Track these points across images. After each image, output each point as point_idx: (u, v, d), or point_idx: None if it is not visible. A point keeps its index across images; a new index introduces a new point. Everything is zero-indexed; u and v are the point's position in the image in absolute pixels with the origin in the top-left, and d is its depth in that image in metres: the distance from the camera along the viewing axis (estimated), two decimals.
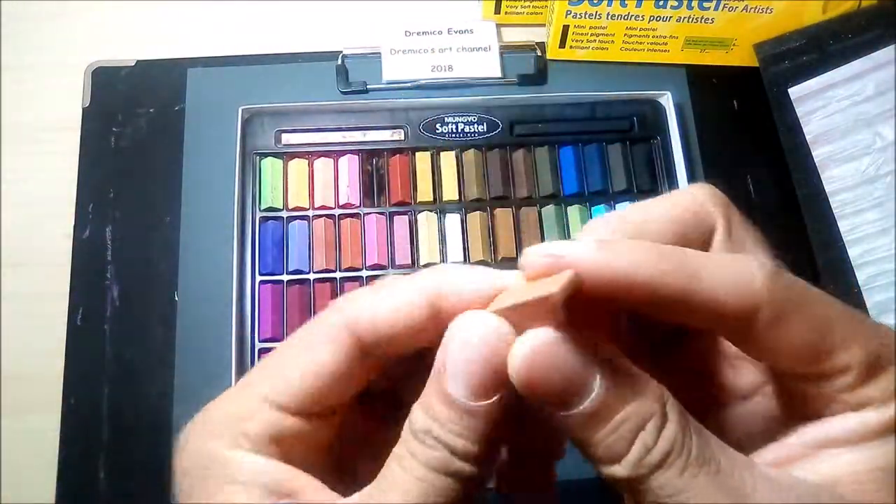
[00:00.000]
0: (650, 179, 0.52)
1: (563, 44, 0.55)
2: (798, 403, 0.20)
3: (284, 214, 0.50)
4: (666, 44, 0.55)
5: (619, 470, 0.17)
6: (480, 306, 0.19)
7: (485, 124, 0.53)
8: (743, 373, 0.22)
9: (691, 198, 0.21)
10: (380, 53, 0.56)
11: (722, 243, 0.20)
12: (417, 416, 0.19)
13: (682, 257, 0.18)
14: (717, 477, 0.17)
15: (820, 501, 0.17)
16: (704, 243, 0.20)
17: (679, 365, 0.23)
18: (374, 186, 0.52)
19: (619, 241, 0.18)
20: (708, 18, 0.53)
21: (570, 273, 0.17)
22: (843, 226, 0.51)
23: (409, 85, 0.55)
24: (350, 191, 0.51)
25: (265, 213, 0.50)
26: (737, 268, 0.18)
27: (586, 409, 0.17)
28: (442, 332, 0.19)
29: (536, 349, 0.17)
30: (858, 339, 0.18)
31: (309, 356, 0.20)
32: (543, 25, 0.57)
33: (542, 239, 0.51)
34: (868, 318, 0.20)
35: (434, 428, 0.18)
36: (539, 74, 0.56)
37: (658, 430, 0.17)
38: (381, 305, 0.20)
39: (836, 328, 0.18)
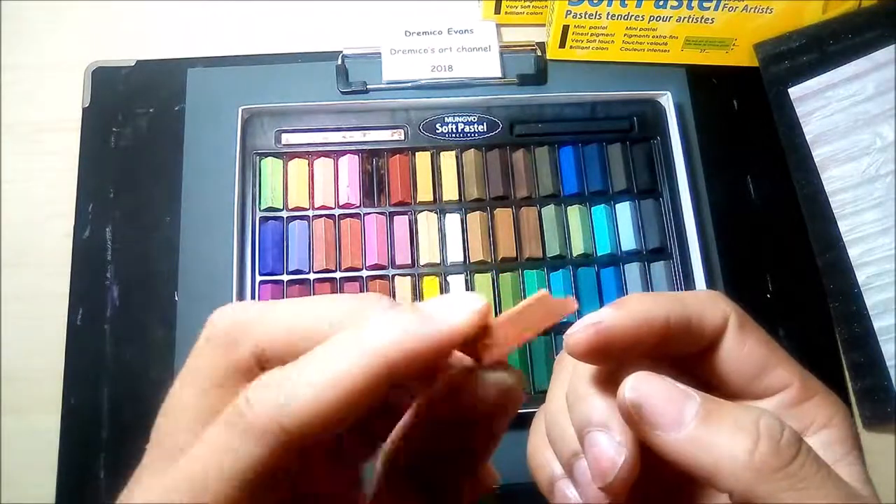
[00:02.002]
0: (650, 179, 0.52)
1: (563, 44, 0.55)
2: None
3: (284, 214, 0.50)
4: (666, 44, 0.55)
5: (754, 461, 0.19)
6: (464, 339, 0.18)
7: (485, 124, 0.53)
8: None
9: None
10: (380, 53, 0.56)
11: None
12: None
13: (672, 295, 0.23)
14: (827, 468, 0.20)
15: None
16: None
17: None
18: (374, 186, 0.52)
19: (627, 298, 0.22)
20: (708, 18, 0.53)
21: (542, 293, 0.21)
22: (843, 226, 0.51)
23: (409, 85, 0.55)
24: (350, 191, 0.51)
25: (265, 213, 0.50)
26: (708, 294, 0.24)
27: (698, 412, 0.20)
28: (425, 372, 0.19)
29: (643, 381, 0.21)
30: (792, 362, 0.23)
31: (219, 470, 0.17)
32: (543, 25, 0.57)
33: (542, 239, 0.51)
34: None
35: None
36: (539, 74, 0.56)
37: (780, 422, 0.20)
38: (313, 396, 0.17)
39: (777, 349, 0.23)
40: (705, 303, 0.23)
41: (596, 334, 0.21)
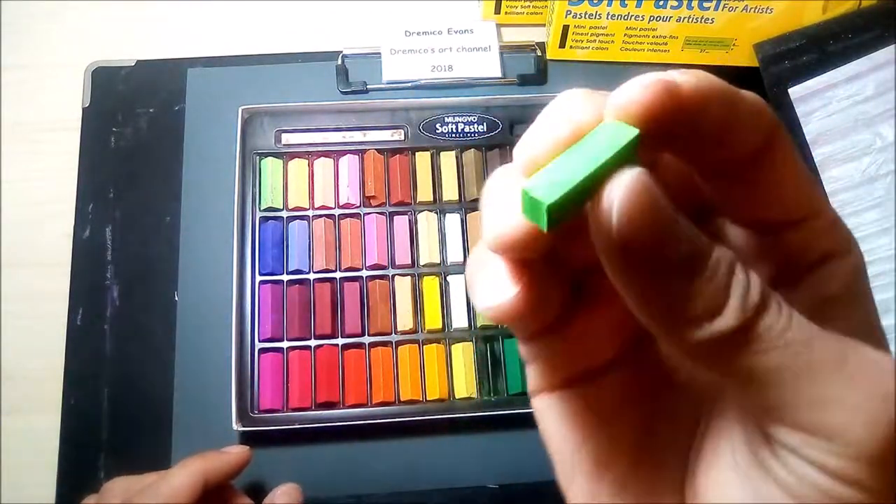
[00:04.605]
0: None
1: (563, 44, 0.55)
2: (796, 271, 0.19)
3: (284, 214, 0.50)
4: (666, 44, 0.55)
5: (723, 322, 0.15)
6: None
7: (485, 124, 0.53)
8: None
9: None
10: (380, 53, 0.56)
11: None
12: None
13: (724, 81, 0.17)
14: (811, 326, 0.16)
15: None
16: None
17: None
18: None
19: (687, 70, 0.17)
20: (708, 18, 0.53)
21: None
22: None
23: (409, 85, 0.55)
24: (350, 191, 0.51)
25: (265, 213, 0.50)
26: (755, 96, 0.17)
27: (684, 251, 0.15)
28: None
29: (632, 187, 0.15)
30: (818, 188, 0.19)
31: None
32: (543, 25, 0.57)
33: None
34: None
35: None
36: (539, 74, 0.56)
37: (747, 273, 0.16)
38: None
39: (807, 170, 0.18)
40: (758, 102, 0.17)
41: (666, 91, 0.16)
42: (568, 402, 0.20)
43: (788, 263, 0.19)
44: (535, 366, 0.20)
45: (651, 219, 0.15)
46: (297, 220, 0.50)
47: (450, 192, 0.52)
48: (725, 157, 0.17)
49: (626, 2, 0.52)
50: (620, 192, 0.15)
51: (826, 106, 0.53)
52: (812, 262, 0.18)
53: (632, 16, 0.53)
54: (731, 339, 0.15)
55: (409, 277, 0.49)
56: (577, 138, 0.16)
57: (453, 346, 0.48)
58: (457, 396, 0.47)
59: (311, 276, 0.49)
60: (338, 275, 0.49)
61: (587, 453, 0.19)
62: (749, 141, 0.17)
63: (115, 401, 0.47)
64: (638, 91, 0.16)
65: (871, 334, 0.18)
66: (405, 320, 0.48)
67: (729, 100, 0.16)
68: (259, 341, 0.47)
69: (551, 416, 0.20)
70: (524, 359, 0.20)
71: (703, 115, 0.16)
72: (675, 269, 0.15)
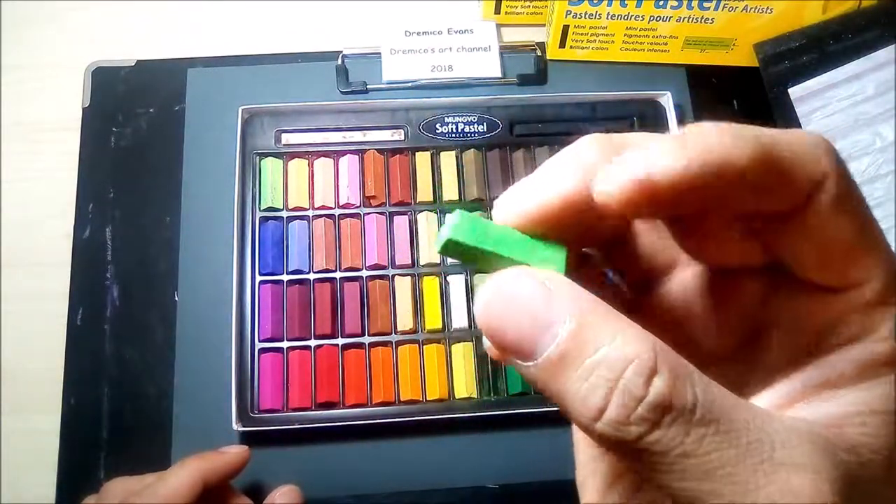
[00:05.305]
0: None
1: (563, 44, 0.55)
2: (798, 339, 0.18)
3: (284, 214, 0.50)
4: (666, 44, 0.55)
5: (605, 429, 0.14)
6: None
7: (485, 124, 0.53)
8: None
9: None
10: (380, 53, 0.56)
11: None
12: None
13: (761, 131, 0.15)
14: (729, 435, 0.14)
15: (830, 447, 0.15)
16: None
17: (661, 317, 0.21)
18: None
19: (697, 129, 0.15)
20: (708, 18, 0.53)
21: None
22: None
23: (409, 85, 0.55)
24: (350, 191, 0.51)
25: (265, 213, 0.50)
26: (810, 139, 0.16)
27: (551, 353, 0.15)
28: None
29: (499, 287, 0.16)
30: (883, 255, 0.16)
31: None
32: (543, 25, 0.57)
33: None
34: (889, 243, 0.17)
35: None
36: (539, 74, 0.56)
37: (645, 378, 0.14)
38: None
39: (871, 234, 0.16)
40: (804, 151, 0.16)
41: (638, 191, 0.15)
42: None
43: (817, 333, 0.17)
44: None
45: (501, 324, 0.15)
46: (297, 220, 0.50)
47: (450, 192, 0.52)
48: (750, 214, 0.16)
49: (626, 2, 0.52)
50: (484, 293, 0.16)
51: (826, 106, 0.53)
52: (841, 341, 0.17)
53: (632, 16, 0.53)
54: (621, 452, 0.15)
55: (409, 277, 0.49)
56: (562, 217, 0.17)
57: (453, 346, 0.48)
58: (457, 396, 0.47)
59: (311, 276, 0.49)
60: (338, 275, 0.49)
61: (608, 461, 0.19)
62: (769, 203, 0.16)
63: (115, 401, 0.47)
64: (608, 195, 0.15)
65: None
66: (405, 320, 0.48)
67: (735, 172, 0.15)
68: (259, 341, 0.47)
69: None
70: None
71: (694, 193, 0.15)
72: (543, 365, 0.15)
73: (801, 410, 0.16)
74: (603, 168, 0.16)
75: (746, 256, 0.18)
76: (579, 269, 0.20)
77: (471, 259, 0.17)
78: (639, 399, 0.14)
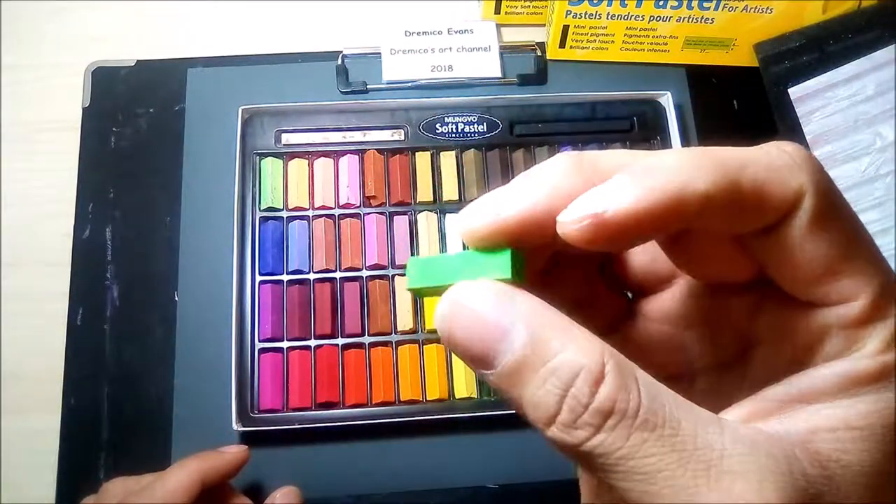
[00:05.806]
0: None
1: (563, 44, 0.55)
2: (782, 353, 0.18)
3: (284, 214, 0.50)
4: (666, 44, 0.55)
5: (555, 433, 0.15)
6: None
7: (485, 124, 0.53)
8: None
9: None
10: (380, 53, 0.56)
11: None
12: None
13: (728, 156, 0.16)
14: (673, 440, 0.15)
15: (791, 458, 0.15)
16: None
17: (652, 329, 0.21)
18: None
19: (658, 162, 0.16)
20: (708, 18, 0.53)
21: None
22: None
23: (409, 85, 0.55)
24: (350, 191, 0.51)
25: (265, 213, 0.50)
26: (787, 156, 0.16)
27: (507, 362, 0.16)
28: None
29: (451, 302, 0.17)
30: (871, 271, 0.16)
31: None
32: (543, 25, 0.57)
33: None
34: (882, 256, 0.17)
35: None
36: (539, 74, 0.56)
37: (592, 385, 0.15)
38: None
39: (857, 249, 0.16)
40: (777, 170, 0.16)
41: (594, 228, 0.16)
42: None
43: (802, 348, 0.17)
44: None
45: (455, 337, 0.16)
46: (297, 220, 0.50)
47: (450, 192, 0.52)
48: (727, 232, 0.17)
49: (626, 2, 0.52)
50: (439, 308, 0.17)
51: (826, 106, 0.53)
52: (826, 356, 0.17)
53: (632, 16, 0.53)
54: (572, 454, 0.15)
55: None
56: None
57: None
58: (457, 396, 0.47)
59: (311, 276, 0.49)
60: (338, 275, 0.49)
61: None
62: (740, 224, 0.16)
63: (115, 401, 0.47)
64: (566, 234, 0.16)
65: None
66: (405, 320, 0.48)
67: (697, 201, 0.15)
68: (259, 341, 0.47)
69: None
70: None
71: (655, 224, 0.16)
72: (500, 374, 0.16)
73: (775, 423, 0.16)
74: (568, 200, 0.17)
75: (736, 272, 0.18)
76: (564, 272, 0.20)
77: (439, 292, 0.18)
78: (585, 405, 0.15)
